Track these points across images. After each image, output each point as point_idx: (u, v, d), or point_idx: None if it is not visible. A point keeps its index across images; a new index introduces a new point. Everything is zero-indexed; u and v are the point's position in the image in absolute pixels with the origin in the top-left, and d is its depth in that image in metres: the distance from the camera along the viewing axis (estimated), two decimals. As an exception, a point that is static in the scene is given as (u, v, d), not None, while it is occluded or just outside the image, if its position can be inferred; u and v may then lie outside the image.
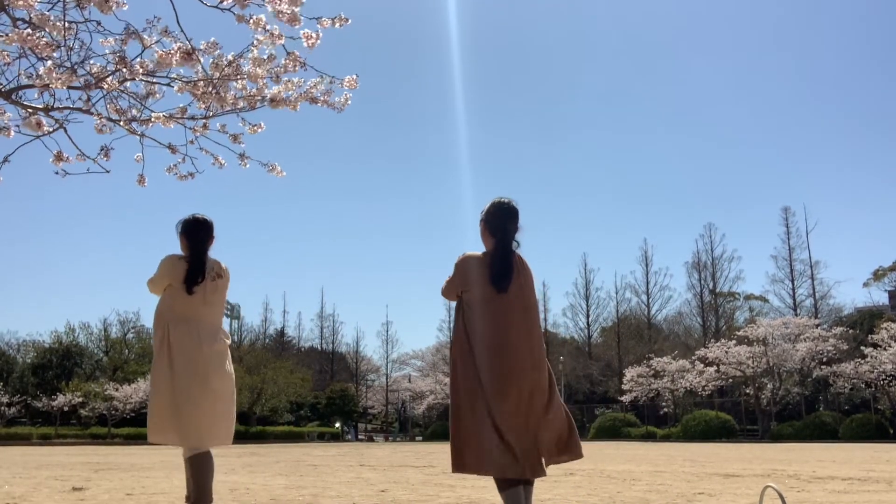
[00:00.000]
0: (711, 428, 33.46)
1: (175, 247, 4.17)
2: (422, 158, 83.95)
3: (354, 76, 3.45)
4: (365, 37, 75.20)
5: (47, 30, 3.02)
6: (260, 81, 3.41)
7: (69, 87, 3.28)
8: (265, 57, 3.29)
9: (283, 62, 3.32)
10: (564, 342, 52.90)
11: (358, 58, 73.61)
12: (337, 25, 3.11)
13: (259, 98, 3.51)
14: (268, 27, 3.11)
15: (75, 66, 3.21)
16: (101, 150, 3.60)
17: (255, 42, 3.22)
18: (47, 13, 3.00)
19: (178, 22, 2.96)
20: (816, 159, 72.86)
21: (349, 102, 3.53)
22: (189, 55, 3.03)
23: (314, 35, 3.13)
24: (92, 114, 3.52)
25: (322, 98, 3.53)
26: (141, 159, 3.84)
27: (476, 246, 3.78)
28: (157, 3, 3.00)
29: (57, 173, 3.57)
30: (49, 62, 3.12)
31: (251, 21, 3.03)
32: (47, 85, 3.17)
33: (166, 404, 3.92)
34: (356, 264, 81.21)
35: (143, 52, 3.20)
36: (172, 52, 3.04)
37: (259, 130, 3.75)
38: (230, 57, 3.32)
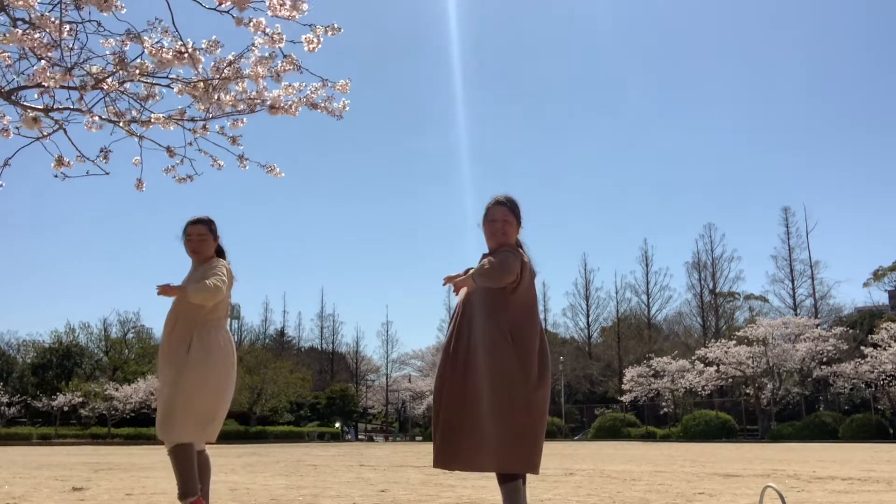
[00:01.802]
0: (711, 428, 33.46)
1: (178, 246, 4.15)
2: (422, 158, 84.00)
3: (346, 80, 3.46)
4: (364, 36, 75.25)
5: (47, 30, 3.03)
6: (260, 82, 3.42)
7: (66, 88, 3.28)
8: (266, 56, 3.29)
9: (280, 64, 3.32)
10: (564, 342, 52.89)
11: (357, 57, 73.62)
12: (329, 34, 3.13)
13: (259, 101, 3.51)
14: (267, 30, 3.11)
15: (72, 67, 3.21)
16: (101, 151, 3.60)
17: (255, 44, 3.23)
18: (48, 13, 3.01)
19: (173, 22, 2.96)
20: (816, 159, 72.98)
21: (347, 108, 3.53)
22: (181, 55, 3.03)
23: (315, 40, 3.14)
24: (90, 114, 3.52)
25: (322, 104, 3.53)
26: (139, 163, 3.83)
27: (481, 246, 3.75)
28: (158, 4, 3.00)
29: (56, 177, 3.57)
30: (43, 62, 3.12)
31: (251, 24, 3.04)
32: (41, 84, 3.17)
33: (219, 402, 3.92)
34: (356, 264, 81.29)
35: (142, 53, 3.20)
36: (165, 51, 3.04)
37: (241, 125, 3.75)
38: (231, 57, 3.32)
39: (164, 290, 3.72)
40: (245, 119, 3.74)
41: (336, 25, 3.14)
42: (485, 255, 3.72)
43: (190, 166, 3.89)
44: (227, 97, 3.49)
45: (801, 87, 74.73)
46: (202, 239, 4.06)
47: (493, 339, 3.43)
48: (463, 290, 3.60)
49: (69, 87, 3.32)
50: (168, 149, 3.80)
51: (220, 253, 4.19)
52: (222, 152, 3.85)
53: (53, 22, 2.99)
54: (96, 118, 3.55)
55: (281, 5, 2.93)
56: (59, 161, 3.54)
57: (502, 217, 3.62)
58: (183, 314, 3.91)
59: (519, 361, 3.40)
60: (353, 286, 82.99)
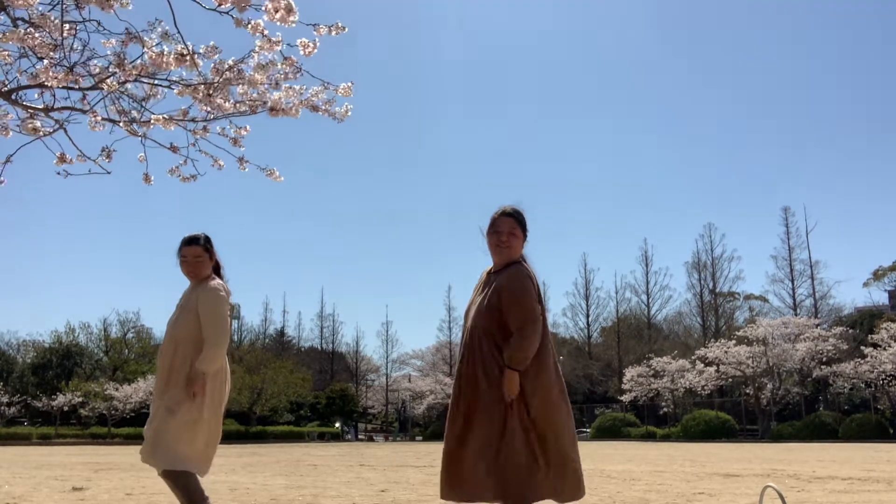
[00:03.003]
0: (711, 428, 33.47)
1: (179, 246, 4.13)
2: (422, 158, 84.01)
3: (349, 83, 3.44)
4: (364, 37, 75.26)
5: (47, 30, 3.03)
6: (260, 87, 3.41)
7: (66, 88, 3.28)
8: (266, 63, 3.28)
9: (279, 66, 3.32)
10: (564, 342, 52.90)
11: (356, 58, 73.65)
12: (333, 34, 3.11)
13: (261, 103, 3.51)
14: (266, 32, 3.11)
15: (73, 66, 3.21)
16: (103, 150, 3.61)
17: (256, 48, 3.23)
18: (48, 13, 3.01)
19: (175, 24, 2.96)
20: (816, 159, 72.97)
21: (349, 113, 3.52)
22: (182, 57, 3.03)
23: (311, 44, 3.14)
24: (93, 113, 3.53)
25: (323, 107, 3.53)
26: (144, 159, 3.84)
27: (482, 253, 3.70)
28: (158, 4, 3.00)
29: (59, 174, 3.57)
30: (46, 61, 3.12)
31: (249, 25, 3.04)
32: (43, 84, 3.17)
33: (216, 431, 3.87)
34: (356, 264, 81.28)
35: (142, 53, 3.20)
36: (166, 54, 3.04)
37: (245, 133, 3.75)
38: (231, 62, 3.32)
39: (199, 389, 3.70)
40: (248, 127, 3.75)
41: (340, 24, 3.12)
42: (488, 273, 3.58)
43: (193, 166, 3.89)
44: (228, 104, 3.48)
45: (801, 88, 74.81)
46: (198, 262, 3.98)
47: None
48: (469, 320, 3.46)
49: (70, 88, 3.32)
50: (171, 146, 3.81)
51: (217, 268, 4.15)
52: (223, 153, 3.85)
53: (54, 21, 3.00)
54: (99, 117, 3.55)
55: (276, 10, 2.94)
56: (62, 158, 3.54)
57: (508, 230, 3.46)
58: (182, 340, 3.83)
59: (536, 396, 3.23)
60: (353, 286, 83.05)
